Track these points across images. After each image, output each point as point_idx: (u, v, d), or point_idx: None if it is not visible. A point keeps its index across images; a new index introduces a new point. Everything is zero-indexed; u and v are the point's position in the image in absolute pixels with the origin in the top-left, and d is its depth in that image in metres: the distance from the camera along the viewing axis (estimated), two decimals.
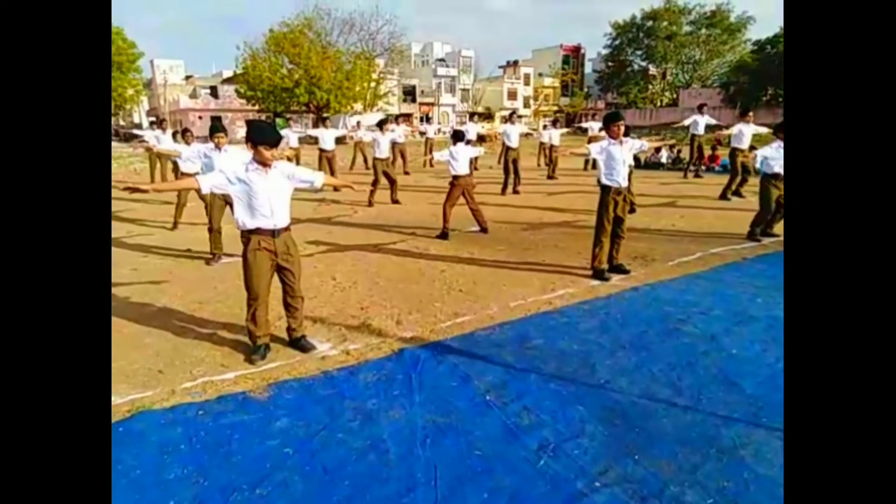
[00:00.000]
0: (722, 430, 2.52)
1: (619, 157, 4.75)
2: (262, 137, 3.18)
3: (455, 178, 6.65)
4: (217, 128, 5.62)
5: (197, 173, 7.36)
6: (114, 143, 36.61)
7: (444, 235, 6.71)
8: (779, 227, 6.38)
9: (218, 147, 5.55)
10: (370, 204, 9.25)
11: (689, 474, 2.22)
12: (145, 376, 3.18)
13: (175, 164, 9.48)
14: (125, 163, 20.18)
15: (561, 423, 2.62)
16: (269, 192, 3.22)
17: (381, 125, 10.23)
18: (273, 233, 3.27)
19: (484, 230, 6.96)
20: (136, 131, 17.01)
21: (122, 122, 45.79)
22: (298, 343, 3.52)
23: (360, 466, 2.32)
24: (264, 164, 3.21)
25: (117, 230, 7.51)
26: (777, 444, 2.40)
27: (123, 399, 2.91)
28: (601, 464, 2.31)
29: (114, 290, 4.76)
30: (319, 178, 3.48)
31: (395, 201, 9.56)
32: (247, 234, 3.27)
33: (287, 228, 3.36)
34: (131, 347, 3.57)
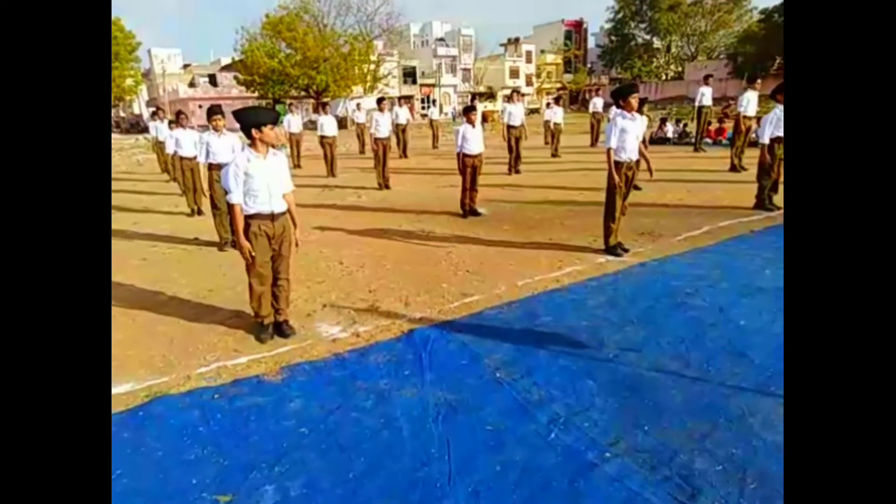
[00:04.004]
0: (730, 400, 2.55)
1: (631, 131, 4.68)
2: (263, 118, 3.20)
3: (466, 156, 6.59)
4: (214, 110, 5.64)
5: (195, 157, 7.39)
6: (116, 135, 36.67)
7: (474, 212, 6.79)
8: (779, 199, 6.33)
9: (216, 129, 5.59)
10: (384, 185, 9.32)
11: (698, 443, 2.26)
12: (161, 363, 3.24)
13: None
14: (127, 154, 20.22)
15: (571, 398, 2.65)
16: (266, 178, 3.24)
17: (379, 103, 10.16)
18: (272, 217, 3.31)
19: (470, 213, 6.87)
20: (146, 136, 16.96)
21: (122, 114, 45.65)
22: (280, 327, 3.53)
23: (375, 443, 2.37)
24: (268, 145, 3.24)
25: (123, 221, 7.57)
26: None
27: (141, 385, 2.98)
28: (611, 435, 2.35)
29: (125, 280, 4.82)
30: (288, 188, 3.39)
31: (384, 185, 9.47)
32: (247, 219, 3.31)
33: (284, 213, 3.39)
34: (146, 335, 3.63)
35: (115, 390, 2.93)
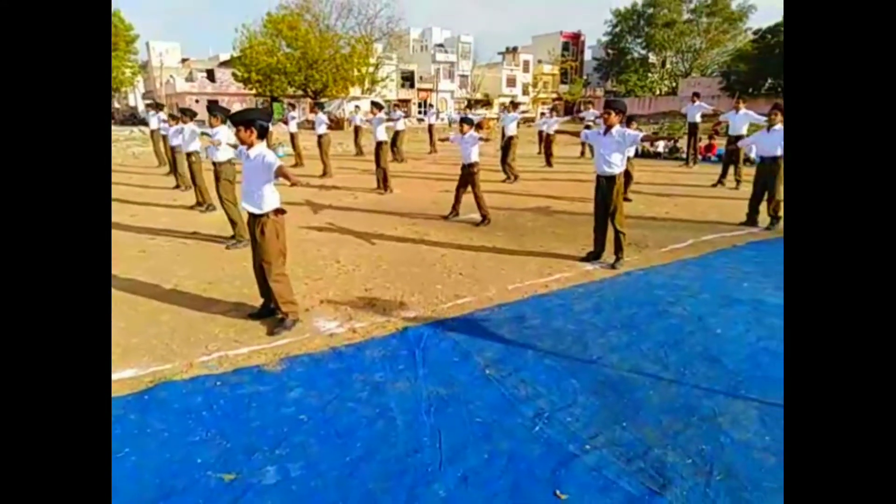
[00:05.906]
0: (703, 401, 2.73)
1: (596, 147, 5.00)
2: (236, 118, 3.51)
3: (466, 165, 6.73)
4: (213, 110, 5.98)
5: (196, 151, 7.55)
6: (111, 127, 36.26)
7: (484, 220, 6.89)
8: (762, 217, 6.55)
9: (211, 126, 5.97)
10: (382, 188, 9.45)
11: (672, 439, 2.43)
12: (164, 350, 3.36)
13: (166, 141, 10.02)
14: (123, 146, 20.12)
15: (555, 395, 2.82)
16: (246, 175, 3.55)
17: (373, 107, 10.30)
18: (252, 216, 3.56)
19: (451, 214, 7.16)
20: (142, 128, 17.04)
21: (117, 105, 45.34)
22: (274, 314, 3.75)
23: (370, 431, 2.52)
24: (246, 145, 3.51)
25: (121, 213, 7.63)
26: (752, 413, 2.62)
27: (145, 371, 3.10)
28: (591, 430, 2.52)
29: (126, 270, 4.92)
30: (276, 164, 3.40)
31: (382, 188, 9.58)
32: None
33: (264, 216, 3.50)
34: (149, 323, 3.75)
35: (119, 375, 3.05)
